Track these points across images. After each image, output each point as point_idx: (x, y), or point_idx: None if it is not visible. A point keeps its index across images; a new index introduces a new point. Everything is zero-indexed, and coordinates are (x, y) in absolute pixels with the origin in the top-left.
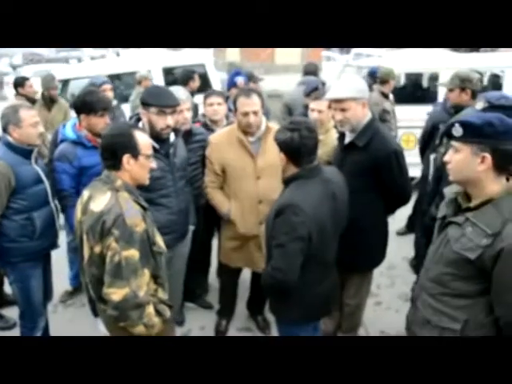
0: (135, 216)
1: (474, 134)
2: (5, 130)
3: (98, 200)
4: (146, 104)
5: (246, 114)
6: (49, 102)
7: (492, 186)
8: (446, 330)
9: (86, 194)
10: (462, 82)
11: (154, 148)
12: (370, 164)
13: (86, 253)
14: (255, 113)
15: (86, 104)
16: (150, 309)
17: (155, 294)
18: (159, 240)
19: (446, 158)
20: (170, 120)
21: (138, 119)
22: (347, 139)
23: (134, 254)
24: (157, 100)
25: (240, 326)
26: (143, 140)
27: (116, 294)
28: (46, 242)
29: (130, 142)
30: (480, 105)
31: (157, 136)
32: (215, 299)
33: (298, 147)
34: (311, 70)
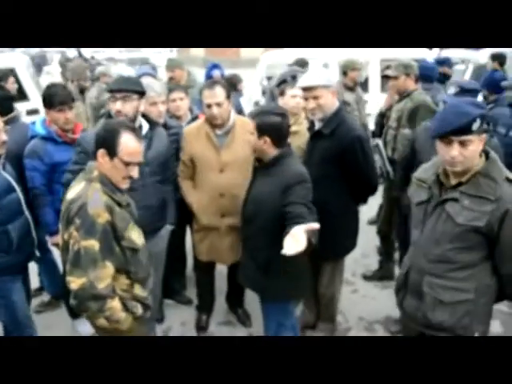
0: (99, 206)
1: (484, 123)
2: None
3: (72, 189)
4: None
5: (209, 106)
6: (78, 94)
7: (477, 160)
8: (460, 303)
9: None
10: (406, 69)
11: None
12: (337, 151)
13: (60, 241)
14: (218, 104)
15: (45, 98)
16: (114, 303)
17: (129, 289)
18: (134, 236)
19: (453, 153)
20: (118, 105)
21: (109, 115)
22: (316, 128)
23: (93, 244)
24: (110, 85)
25: (221, 319)
26: (128, 145)
27: (74, 282)
28: (24, 254)
29: (110, 139)
30: (452, 90)
31: None
32: (194, 294)
33: (285, 130)
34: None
